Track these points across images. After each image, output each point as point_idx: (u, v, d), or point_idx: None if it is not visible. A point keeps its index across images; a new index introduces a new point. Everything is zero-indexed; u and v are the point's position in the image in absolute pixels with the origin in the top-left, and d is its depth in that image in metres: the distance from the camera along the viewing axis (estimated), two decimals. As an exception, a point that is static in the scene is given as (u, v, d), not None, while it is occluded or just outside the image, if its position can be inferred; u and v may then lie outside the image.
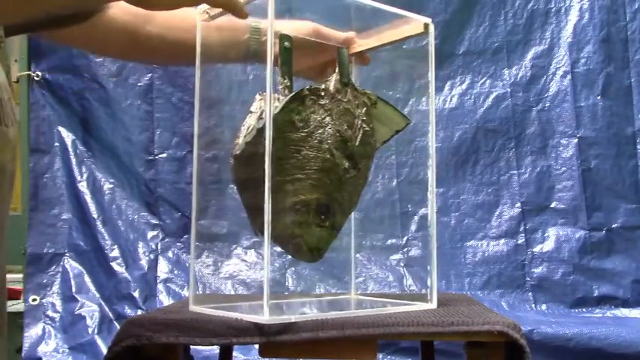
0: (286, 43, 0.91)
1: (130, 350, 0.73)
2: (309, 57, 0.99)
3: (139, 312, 1.66)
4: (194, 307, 0.81)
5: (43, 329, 1.66)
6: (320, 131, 0.82)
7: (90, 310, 1.68)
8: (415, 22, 0.97)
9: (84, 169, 1.76)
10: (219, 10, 0.83)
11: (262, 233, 0.76)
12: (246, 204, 0.84)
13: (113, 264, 1.72)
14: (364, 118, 0.90)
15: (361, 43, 1.02)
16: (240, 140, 0.83)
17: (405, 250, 1.78)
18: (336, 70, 0.88)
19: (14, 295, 1.99)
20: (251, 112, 0.86)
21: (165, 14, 0.90)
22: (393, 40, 1.01)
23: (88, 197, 1.75)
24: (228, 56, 0.98)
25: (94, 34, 0.89)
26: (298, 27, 0.96)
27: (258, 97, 0.87)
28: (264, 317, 0.71)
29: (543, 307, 1.73)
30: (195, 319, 0.74)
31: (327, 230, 0.84)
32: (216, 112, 1.80)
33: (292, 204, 0.82)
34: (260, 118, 0.83)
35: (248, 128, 0.84)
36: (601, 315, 1.70)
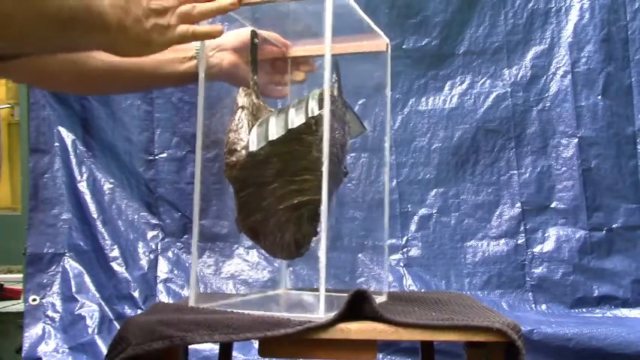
0: (255, 40, 0.92)
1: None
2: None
3: (139, 312, 1.66)
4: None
5: (43, 329, 1.66)
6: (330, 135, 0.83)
7: (90, 310, 1.68)
8: (378, 40, 0.97)
9: (84, 169, 1.76)
10: None
11: (250, 231, 0.77)
12: (245, 201, 0.84)
13: (113, 264, 1.72)
14: (347, 124, 0.92)
15: (303, 49, 1.03)
16: (249, 137, 0.83)
17: (405, 250, 1.78)
18: (334, 78, 0.89)
19: (14, 295, 1.99)
20: (242, 107, 0.86)
21: None
22: (350, 52, 1.01)
23: (88, 197, 1.75)
24: (171, 76, 0.98)
25: (43, 71, 0.89)
26: (241, 33, 1.00)
27: (242, 91, 0.88)
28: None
29: (543, 307, 1.73)
30: (228, 317, 0.74)
31: (314, 229, 0.86)
32: (217, 112, 1.80)
33: (298, 204, 0.83)
34: (279, 113, 0.83)
35: (248, 124, 0.84)
36: (601, 315, 1.70)
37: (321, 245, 0.76)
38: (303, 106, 0.83)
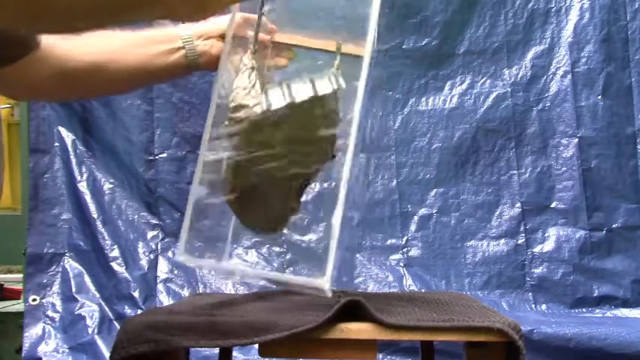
0: (262, 4, 0.90)
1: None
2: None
3: (139, 312, 1.66)
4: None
5: (43, 329, 1.66)
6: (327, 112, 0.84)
7: (90, 310, 1.68)
8: (360, 46, 0.97)
9: (84, 169, 1.76)
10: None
11: (235, 194, 0.77)
12: (241, 160, 0.83)
13: (113, 264, 1.72)
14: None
15: (286, 37, 1.00)
16: (268, 96, 0.81)
17: (405, 250, 1.78)
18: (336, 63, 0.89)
19: (14, 295, 1.99)
20: (253, 68, 0.84)
21: (86, 46, 0.89)
22: (326, 49, 1.00)
23: (88, 197, 1.75)
24: (163, 70, 0.95)
25: (23, 79, 0.86)
26: (226, 19, 0.96)
27: (249, 54, 0.86)
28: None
29: (543, 307, 1.73)
30: (212, 321, 0.74)
31: (298, 205, 0.87)
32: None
33: (293, 175, 0.84)
34: (281, 85, 0.83)
35: (261, 85, 0.82)
36: (601, 315, 1.70)
37: (336, 213, 0.75)
38: (326, 76, 0.82)
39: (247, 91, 0.82)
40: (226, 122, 0.82)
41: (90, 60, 0.89)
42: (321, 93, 0.80)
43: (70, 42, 0.87)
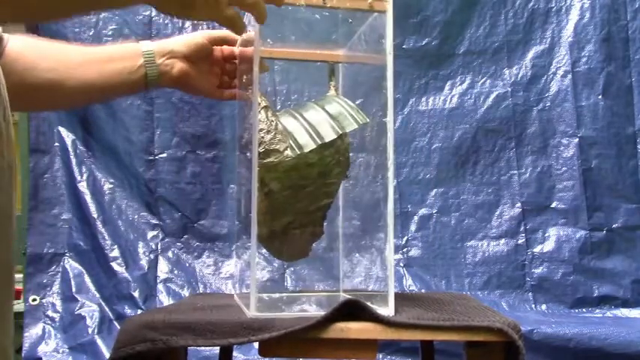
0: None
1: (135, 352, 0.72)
2: (206, 67, 0.97)
3: (139, 312, 1.66)
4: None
5: (43, 329, 1.66)
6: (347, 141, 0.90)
7: (90, 310, 1.68)
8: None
9: (84, 169, 1.76)
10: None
11: (273, 233, 0.78)
12: (280, 202, 0.84)
13: (113, 264, 1.72)
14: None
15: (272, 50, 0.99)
16: (300, 138, 0.82)
17: (405, 250, 1.78)
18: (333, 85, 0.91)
19: (14, 295, 1.99)
20: (267, 107, 0.83)
21: (47, 57, 0.88)
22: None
23: (88, 197, 1.75)
24: (121, 86, 0.93)
25: None
26: (192, 38, 0.96)
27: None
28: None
29: (543, 307, 1.72)
30: (207, 320, 0.74)
31: (321, 229, 0.92)
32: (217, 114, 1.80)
33: (324, 205, 0.89)
34: (309, 113, 0.85)
35: (276, 129, 0.82)
36: (601, 315, 1.70)
37: (388, 243, 0.78)
38: (341, 109, 0.84)
39: (272, 134, 0.81)
40: (258, 168, 0.79)
41: (49, 77, 0.88)
42: (348, 130, 0.82)
43: (32, 56, 0.86)
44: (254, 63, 0.79)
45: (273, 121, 0.82)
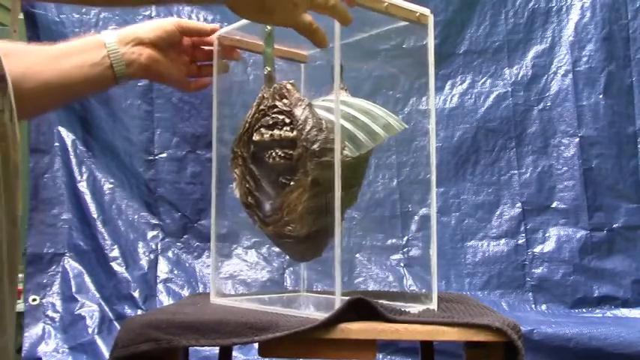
0: (267, 27, 0.87)
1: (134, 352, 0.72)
2: (174, 55, 0.93)
3: (139, 312, 1.66)
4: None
5: (43, 329, 1.66)
6: None
7: (90, 310, 1.68)
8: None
9: (84, 169, 1.76)
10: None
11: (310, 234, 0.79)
12: (324, 203, 0.80)
13: (113, 264, 1.72)
14: None
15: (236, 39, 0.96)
16: (360, 137, 0.81)
17: (405, 250, 1.78)
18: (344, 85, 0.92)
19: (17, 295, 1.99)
20: (310, 104, 0.80)
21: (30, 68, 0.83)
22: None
23: (88, 197, 1.74)
24: (85, 82, 0.87)
25: None
26: (160, 24, 0.91)
27: (293, 85, 0.82)
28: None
29: (543, 307, 1.72)
30: (211, 320, 0.74)
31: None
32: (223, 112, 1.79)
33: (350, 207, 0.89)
34: (354, 112, 0.83)
35: (324, 127, 0.78)
36: (601, 315, 1.69)
37: (432, 250, 0.79)
38: (378, 111, 0.83)
39: (325, 132, 0.77)
40: (311, 166, 0.76)
41: (43, 79, 0.83)
42: (392, 133, 0.82)
43: None
44: (335, 63, 0.78)
45: (317, 116, 0.79)
